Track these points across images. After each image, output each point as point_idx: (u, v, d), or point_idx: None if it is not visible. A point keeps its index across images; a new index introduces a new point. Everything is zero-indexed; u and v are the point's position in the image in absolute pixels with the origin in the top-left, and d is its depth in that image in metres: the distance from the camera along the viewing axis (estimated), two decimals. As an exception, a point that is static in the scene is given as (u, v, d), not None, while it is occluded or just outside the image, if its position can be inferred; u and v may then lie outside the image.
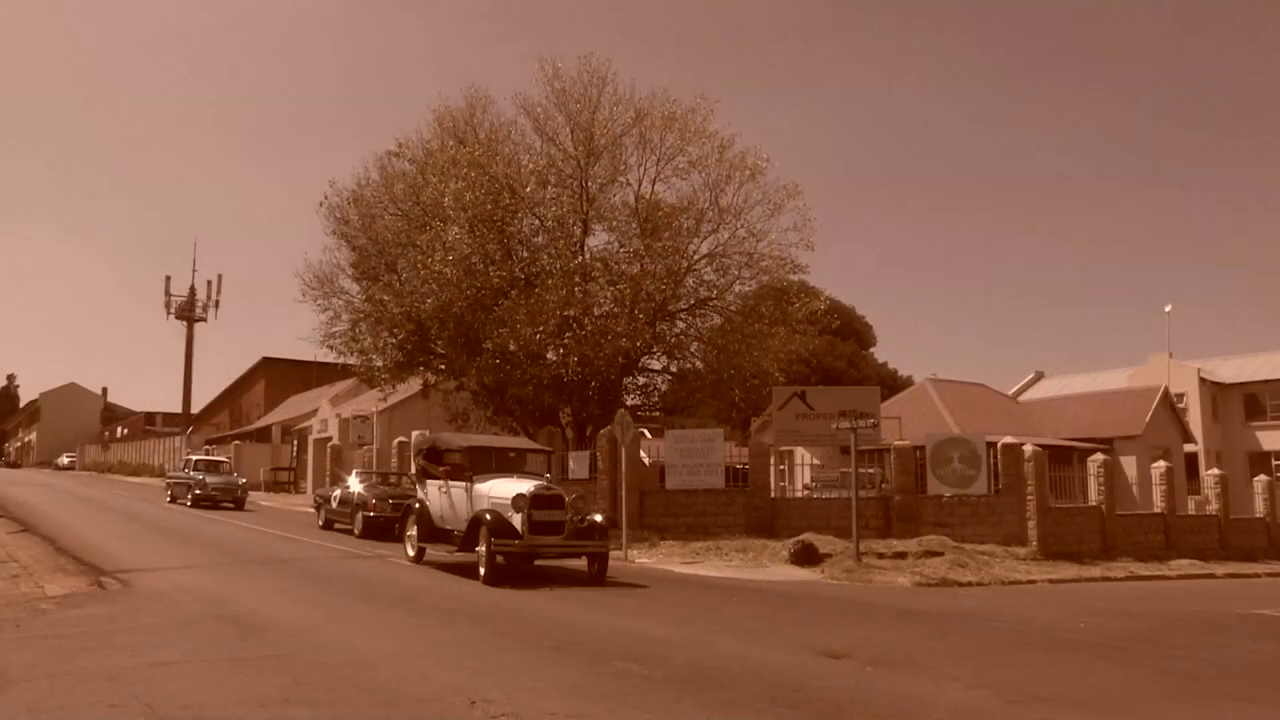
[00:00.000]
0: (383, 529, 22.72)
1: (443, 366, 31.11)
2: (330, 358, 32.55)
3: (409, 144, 31.11)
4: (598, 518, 15.96)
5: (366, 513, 23.89)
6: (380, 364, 31.21)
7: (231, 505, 33.30)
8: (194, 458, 38.58)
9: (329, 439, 45.48)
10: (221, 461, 38.78)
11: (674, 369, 31.30)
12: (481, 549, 15.03)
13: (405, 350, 30.80)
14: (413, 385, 35.58)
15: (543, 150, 29.73)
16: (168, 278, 68.92)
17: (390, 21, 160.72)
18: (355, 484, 26.26)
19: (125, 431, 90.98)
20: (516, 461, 17.48)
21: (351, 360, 31.74)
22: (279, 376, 72.20)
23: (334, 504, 26.32)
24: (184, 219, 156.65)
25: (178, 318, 68.88)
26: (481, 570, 14.97)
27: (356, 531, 23.85)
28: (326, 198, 31.53)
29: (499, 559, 15.00)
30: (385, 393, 33.56)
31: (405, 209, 30.02)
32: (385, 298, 29.30)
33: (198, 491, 33.35)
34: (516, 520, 15.01)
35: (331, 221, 31.49)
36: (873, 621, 13.21)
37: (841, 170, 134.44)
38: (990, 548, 22.74)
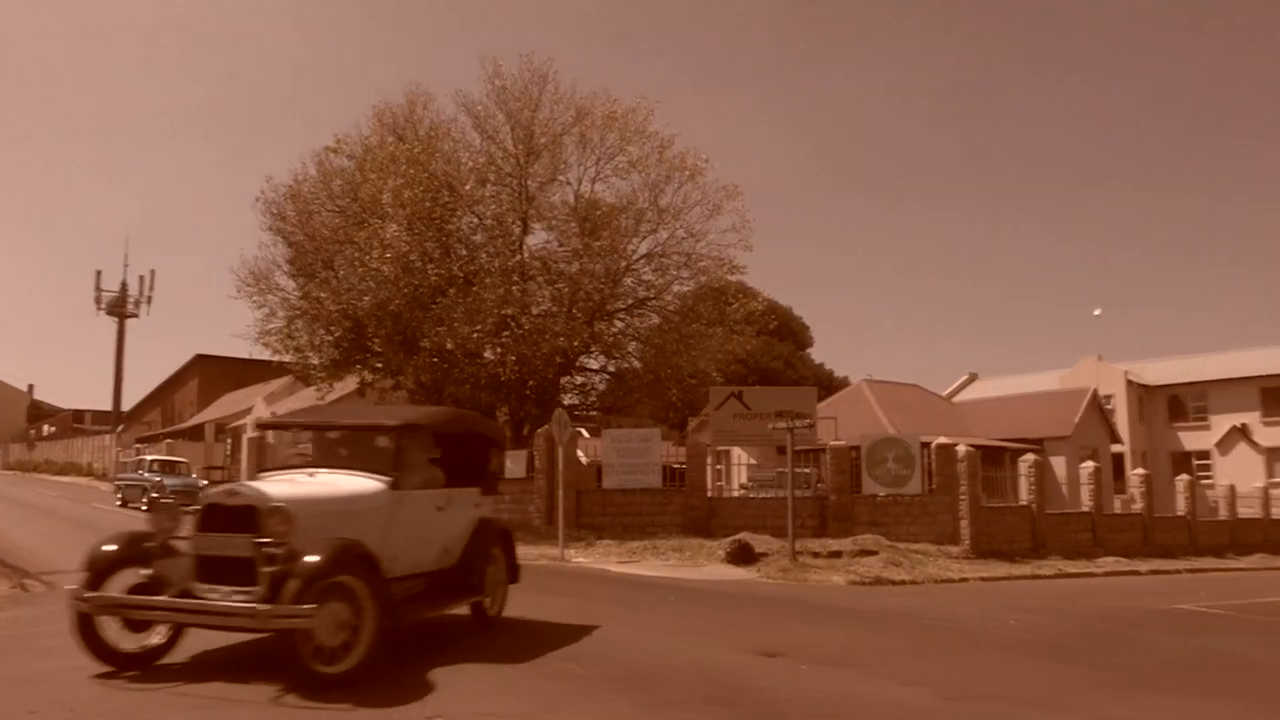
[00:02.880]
0: None
1: (379, 365, 30.83)
2: (265, 355, 32.09)
3: (348, 140, 30.80)
4: (311, 559, 7.51)
5: None
6: (316, 362, 30.82)
7: None
8: (149, 457, 37.13)
9: (263, 437, 44.91)
10: (180, 461, 36.64)
11: (612, 368, 31.38)
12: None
13: (341, 348, 30.45)
14: (349, 384, 35.23)
15: (483, 148, 29.66)
16: (98, 272, 67.33)
17: (331, 17, 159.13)
18: None
19: (53, 430, 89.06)
20: (345, 447, 10.18)
21: (287, 358, 31.27)
22: (213, 374, 71.12)
23: None
24: (116, 213, 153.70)
25: (108, 313, 67.42)
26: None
27: None
28: (263, 193, 31.12)
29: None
30: (321, 391, 33.15)
31: (343, 205, 29.70)
32: (322, 295, 28.96)
33: (155, 495, 31.60)
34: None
35: (267, 217, 31.01)
36: (808, 620, 13.32)
37: (782, 171, 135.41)
38: (924, 546, 22.97)
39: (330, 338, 30.33)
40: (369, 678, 7.50)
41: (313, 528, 7.91)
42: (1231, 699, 9.21)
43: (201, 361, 74.05)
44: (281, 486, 8.68)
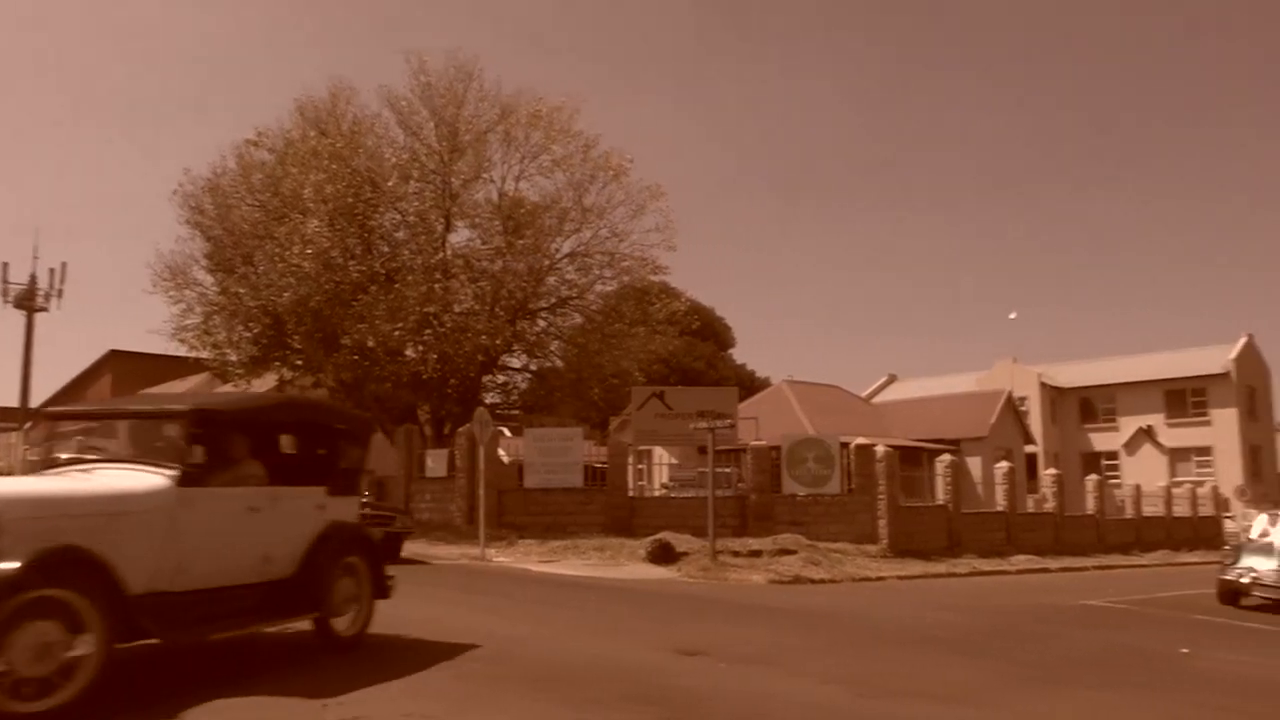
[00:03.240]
0: None
1: (299, 362, 30.48)
2: (182, 351, 31.51)
3: (269, 133, 30.45)
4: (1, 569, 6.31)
5: None
6: (234, 358, 30.36)
7: None
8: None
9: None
10: None
11: (534, 367, 31.45)
12: None
13: (261, 345, 30.04)
14: (268, 381, 34.78)
15: (406, 144, 29.55)
16: (5, 264, 65.10)
17: (251, 5, 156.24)
18: None
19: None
20: (132, 439, 8.84)
21: (204, 354, 30.76)
22: (127, 370, 69.34)
23: None
24: (24, 204, 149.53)
25: (16, 307, 65.36)
26: None
27: None
28: (180, 186, 30.55)
29: None
30: (239, 388, 32.71)
31: (263, 200, 29.30)
32: (241, 290, 28.56)
33: None
34: None
35: (185, 211, 30.43)
36: (728, 619, 13.45)
37: (705, 171, 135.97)
38: (843, 545, 23.28)
39: (249, 334, 29.92)
40: (94, 713, 6.32)
41: (41, 531, 6.55)
42: (1131, 690, 9.56)
43: (115, 357, 72.22)
44: (4, 484, 7.53)
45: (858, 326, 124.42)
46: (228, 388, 34.67)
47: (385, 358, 27.47)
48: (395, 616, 11.10)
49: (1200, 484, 44.06)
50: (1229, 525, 39.19)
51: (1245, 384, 52.59)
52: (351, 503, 9.67)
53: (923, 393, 52.14)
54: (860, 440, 26.22)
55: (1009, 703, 8.54)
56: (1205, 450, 51.60)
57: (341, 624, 9.02)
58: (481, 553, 20.40)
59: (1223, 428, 51.48)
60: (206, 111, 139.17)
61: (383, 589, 9.54)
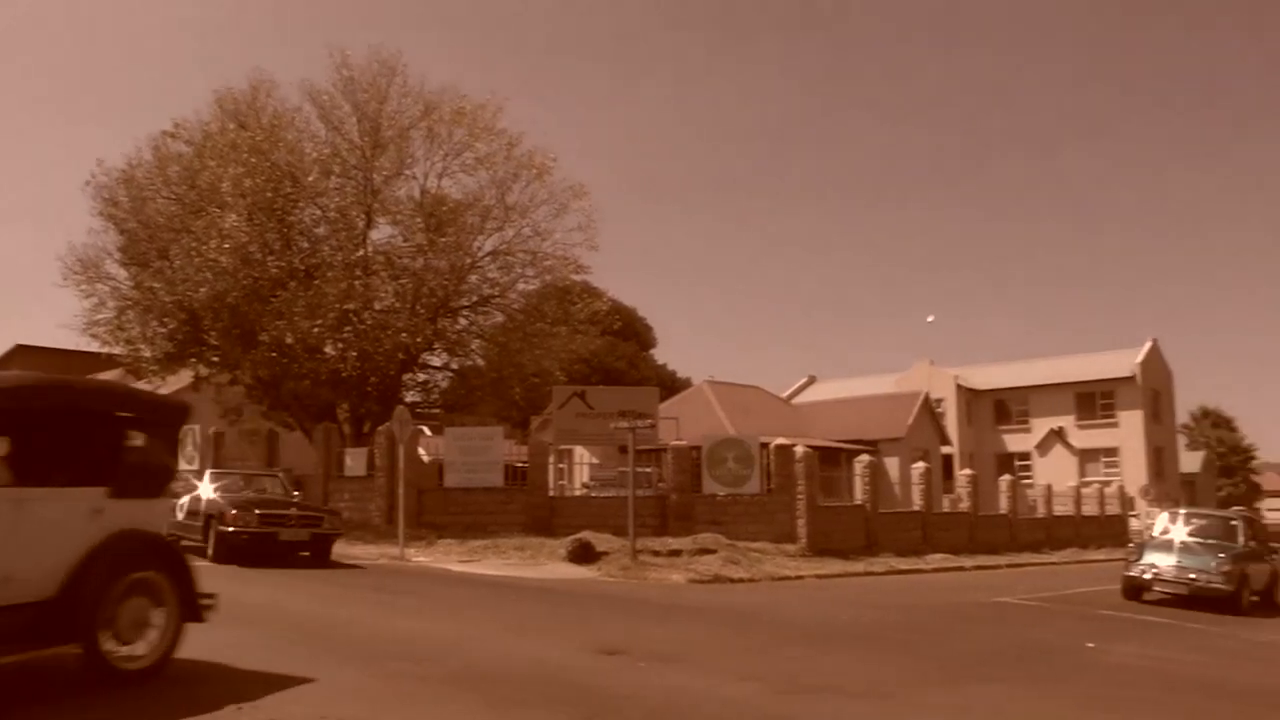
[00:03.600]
0: (245, 551, 17.26)
1: (216, 359, 30.01)
2: (94, 347, 30.80)
3: (186, 125, 29.94)
4: None
5: (224, 528, 17.54)
6: (149, 354, 29.75)
7: None
8: None
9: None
10: None
11: (455, 366, 31.29)
12: None
13: (176, 341, 29.49)
14: (184, 378, 34.18)
15: (327, 139, 29.23)
16: (-95, 256, 63.61)
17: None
18: (208, 488, 19.42)
19: None
20: None
21: (117, 350, 30.10)
22: (35, 366, 66.74)
23: (180, 515, 18.99)
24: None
25: (-84, 299, 63.67)
26: None
27: (210, 554, 17.33)
28: (93, 176, 29.87)
29: None
30: (154, 385, 32.01)
31: (180, 193, 28.77)
32: (156, 285, 28.02)
33: None
34: None
35: (98, 202, 29.76)
36: (647, 618, 13.52)
37: (628, 171, 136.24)
38: (762, 545, 23.45)
39: (164, 330, 29.37)
40: None
41: None
42: (1040, 683, 9.86)
43: (22, 352, 70.33)
44: None
45: (779, 327, 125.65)
46: (141, 385, 34.03)
47: (304, 355, 27.13)
48: (314, 617, 11.04)
49: (1108, 484, 45.24)
50: (1134, 523, 40.31)
51: (1150, 387, 54.20)
52: (149, 507, 7.86)
53: (842, 394, 52.85)
54: (780, 441, 26.46)
55: (922, 697, 8.73)
56: (1113, 451, 53.09)
57: (130, 652, 7.25)
58: (401, 552, 20.26)
59: (1129, 429, 53.01)
60: (122, 101, 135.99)
61: (194, 610, 7.68)
